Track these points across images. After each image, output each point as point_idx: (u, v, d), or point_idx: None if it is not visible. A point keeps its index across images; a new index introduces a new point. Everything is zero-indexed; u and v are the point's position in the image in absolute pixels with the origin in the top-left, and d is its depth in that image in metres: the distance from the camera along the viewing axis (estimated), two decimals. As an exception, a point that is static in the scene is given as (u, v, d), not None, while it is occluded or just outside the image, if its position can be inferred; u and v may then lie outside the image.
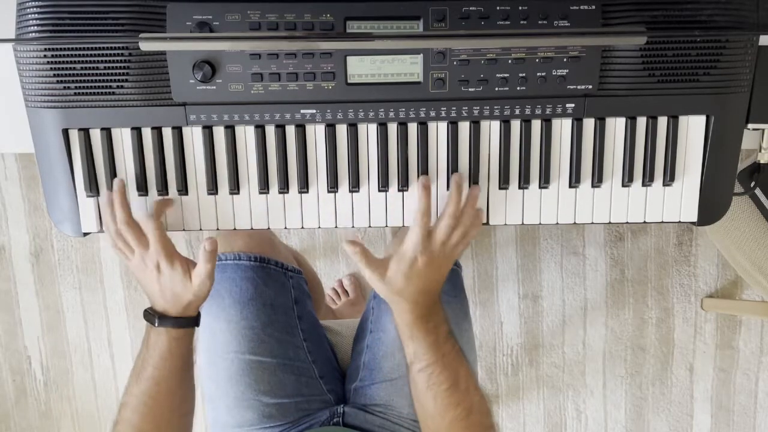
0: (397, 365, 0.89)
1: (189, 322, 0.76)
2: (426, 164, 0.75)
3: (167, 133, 0.74)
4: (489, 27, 0.70)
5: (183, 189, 0.75)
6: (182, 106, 0.72)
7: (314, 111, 0.73)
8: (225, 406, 0.89)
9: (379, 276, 0.72)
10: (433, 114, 0.73)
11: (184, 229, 0.77)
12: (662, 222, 0.78)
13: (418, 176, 0.75)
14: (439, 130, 0.75)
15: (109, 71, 0.70)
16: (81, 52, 0.69)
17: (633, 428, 1.73)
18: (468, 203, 0.73)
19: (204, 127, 0.74)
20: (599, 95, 0.73)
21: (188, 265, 0.74)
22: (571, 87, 0.72)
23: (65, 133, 0.73)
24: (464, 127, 0.75)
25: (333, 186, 0.76)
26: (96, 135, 0.74)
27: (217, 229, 0.77)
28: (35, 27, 0.69)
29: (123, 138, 0.74)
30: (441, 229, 0.71)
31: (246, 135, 0.74)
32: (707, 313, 1.67)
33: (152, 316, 0.74)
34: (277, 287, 0.92)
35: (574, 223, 0.78)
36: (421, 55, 0.71)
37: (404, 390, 0.88)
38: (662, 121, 0.75)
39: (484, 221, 0.77)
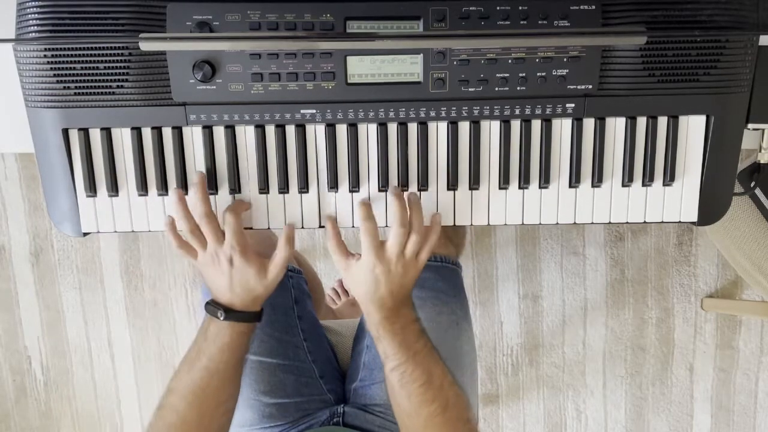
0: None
1: (253, 316, 0.76)
2: (426, 164, 0.75)
3: (167, 133, 0.74)
4: (489, 27, 0.70)
5: (183, 189, 0.75)
6: (182, 106, 0.72)
7: (314, 111, 0.73)
8: (225, 406, 0.89)
9: (345, 266, 0.74)
10: (433, 114, 0.73)
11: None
12: (662, 222, 0.78)
13: (418, 176, 0.75)
14: (439, 130, 0.75)
15: (109, 71, 0.70)
16: (81, 52, 0.69)
17: (633, 428, 1.73)
18: (413, 210, 0.73)
19: (204, 127, 0.74)
20: (599, 95, 0.73)
21: (262, 259, 0.74)
22: (571, 87, 0.72)
23: (65, 133, 0.73)
24: (464, 127, 0.75)
25: (333, 186, 0.76)
26: (96, 135, 0.74)
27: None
28: (35, 27, 0.69)
29: (123, 138, 0.74)
30: (391, 240, 0.71)
31: (246, 135, 0.74)
32: (707, 313, 1.67)
33: (216, 309, 0.74)
34: (276, 287, 0.92)
35: (574, 223, 0.78)
36: (421, 55, 0.71)
37: (404, 390, 0.88)
38: (662, 121, 0.75)
39: (485, 222, 0.77)
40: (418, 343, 0.73)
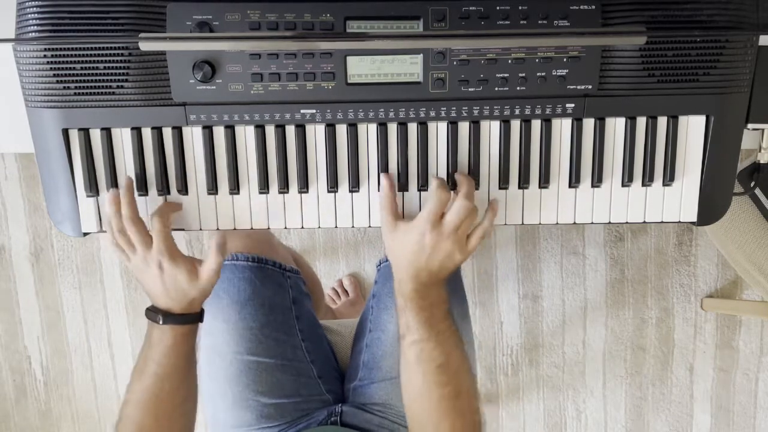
0: (395, 364, 0.89)
1: (193, 318, 0.76)
2: (426, 164, 0.75)
3: (167, 133, 0.74)
4: (489, 27, 0.70)
5: (183, 189, 0.75)
6: (182, 106, 0.72)
7: (314, 111, 0.73)
8: (223, 406, 0.89)
9: (392, 226, 0.72)
10: (433, 114, 0.73)
11: (183, 229, 0.77)
12: (662, 222, 0.78)
13: (418, 176, 0.75)
14: (439, 130, 0.75)
15: (109, 71, 0.70)
16: (81, 52, 0.69)
17: (633, 428, 1.73)
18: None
19: (204, 127, 0.74)
20: (599, 95, 0.73)
21: (192, 262, 0.74)
22: (571, 87, 0.72)
23: (65, 133, 0.73)
24: (464, 127, 0.75)
25: (333, 186, 0.76)
26: (96, 135, 0.74)
27: (217, 228, 0.77)
28: (35, 27, 0.69)
29: (123, 138, 0.74)
30: (454, 210, 0.69)
31: (246, 135, 0.74)
32: (707, 313, 1.67)
33: (155, 314, 0.74)
34: (274, 287, 0.92)
35: (574, 223, 0.78)
36: (421, 55, 0.71)
37: (404, 390, 0.88)
38: (662, 121, 0.75)
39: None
40: (443, 323, 0.72)
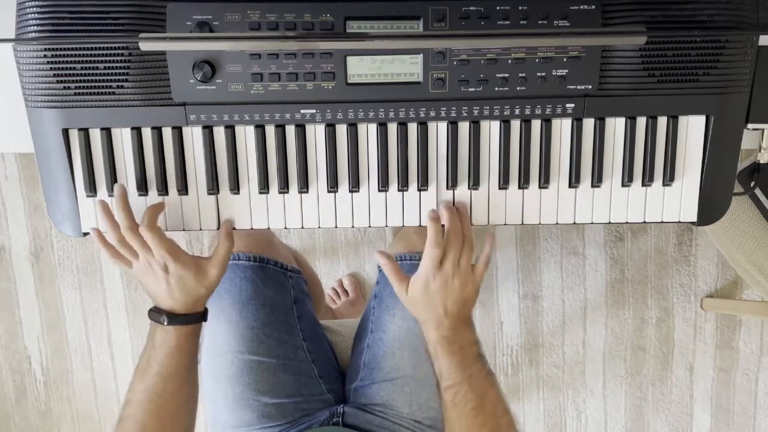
0: (396, 365, 0.89)
1: (197, 317, 0.76)
2: (426, 164, 0.75)
3: (167, 133, 0.74)
4: (489, 27, 0.70)
5: (183, 189, 0.75)
6: (182, 106, 0.72)
7: (314, 111, 0.73)
8: (224, 406, 0.89)
9: (403, 291, 0.75)
10: (433, 114, 0.73)
11: (184, 229, 0.77)
12: (662, 222, 0.78)
13: (418, 176, 0.76)
14: (439, 130, 0.75)
15: (109, 71, 0.70)
16: (81, 52, 0.69)
17: (633, 428, 1.73)
18: (463, 222, 0.74)
19: (204, 127, 0.74)
20: (599, 95, 0.73)
21: (197, 260, 0.74)
22: (571, 87, 0.72)
23: (65, 133, 0.73)
24: (464, 127, 0.75)
25: (333, 186, 0.76)
26: (96, 135, 0.74)
27: (217, 229, 0.77)
28: (35, 27, 0.69)
29: (123, 138, 0.74)
30: (450, 254, 0.72)
31: (246, 135, 0.74)
32: (707, 313, 1.67)
33: (159, 315, 0.74)
34: (276, 287, 0.92)
35: (574, 223, 0.78)
36: (421, 55, 0.71)
37: (404, 390, 0.88)
38: (662, 121, 0.75)
39: (485, 222, 0.77)
40: (475, 366, 0.74)
